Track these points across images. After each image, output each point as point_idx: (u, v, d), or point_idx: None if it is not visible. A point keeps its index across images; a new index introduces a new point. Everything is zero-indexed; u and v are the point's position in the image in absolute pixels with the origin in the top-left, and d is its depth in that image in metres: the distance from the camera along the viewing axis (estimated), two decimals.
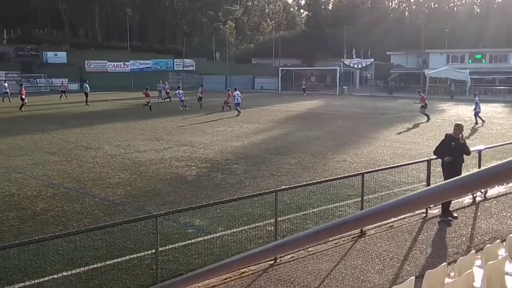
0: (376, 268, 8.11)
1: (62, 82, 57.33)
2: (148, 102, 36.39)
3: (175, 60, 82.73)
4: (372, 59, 71.30)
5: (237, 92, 34.63)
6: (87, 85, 44.72)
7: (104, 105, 42.76)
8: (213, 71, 77.97)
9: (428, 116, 30.14)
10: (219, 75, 75.68)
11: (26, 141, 21.55)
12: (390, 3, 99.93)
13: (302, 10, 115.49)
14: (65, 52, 79.48)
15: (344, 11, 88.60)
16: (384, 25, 78.57)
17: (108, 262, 7.96)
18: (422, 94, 31.36)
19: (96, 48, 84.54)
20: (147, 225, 9.21)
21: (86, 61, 78.07)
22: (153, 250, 7.74)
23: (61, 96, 48.09)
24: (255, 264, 7.92)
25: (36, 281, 7.31)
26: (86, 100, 42.60)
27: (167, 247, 8.43)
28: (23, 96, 37.10)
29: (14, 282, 7.28)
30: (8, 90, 46.76)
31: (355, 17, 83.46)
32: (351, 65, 71.21)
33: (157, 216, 7.07)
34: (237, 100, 33.82)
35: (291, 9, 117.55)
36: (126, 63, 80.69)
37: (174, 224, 9.95)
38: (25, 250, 8.05)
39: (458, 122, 11.42)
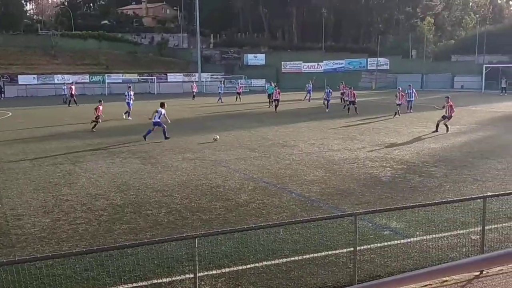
0: None
1: (238, 82, 60.36)
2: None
3: (368, 59, 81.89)
4: None
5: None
6: (271, 86, 43.17)
7: (297, 105, 44.18)
8: (408, 69, 75.29)
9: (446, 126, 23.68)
10: (414, 74, 72.75)
11: (230, 137, 23.28)
12: None
13: (511, 2, 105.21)
14: (263, 54, 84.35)
15: None
16: None
17: (305, 256, 8.16)
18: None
19: (292, 50, 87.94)
20: (342, 223, 9.22)
21: (282, 62, 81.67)
22: (349, 249, 7.72)
23: (236, 98, 49.46)
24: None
25: (240, 268, 7.81)
26: (270, 101, 41.39)
27: (363, 247, 8.34)
28: (99, 114, 26.73)
29: (221, 266, 7.87)
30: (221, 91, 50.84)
31: None
32: None
33: (356, 215, 7.03)
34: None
35: (499, 1, 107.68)
36: (320, 63, 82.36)
37: (370, 225, 9.81)
38: (231, 237, 8.69)
39: None
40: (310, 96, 47.65)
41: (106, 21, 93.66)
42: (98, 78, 69.48)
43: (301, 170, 15.44)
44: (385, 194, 12.44)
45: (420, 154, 18.09)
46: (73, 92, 45.76)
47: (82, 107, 43.49)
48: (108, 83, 68.94)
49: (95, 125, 26.28)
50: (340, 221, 9.23)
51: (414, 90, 35.39)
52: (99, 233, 9.66)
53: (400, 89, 34.29)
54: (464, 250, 8.46)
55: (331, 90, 38.34)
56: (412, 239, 9.02)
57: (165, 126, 22.64)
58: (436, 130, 23.71)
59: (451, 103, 23.57)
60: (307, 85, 49.62)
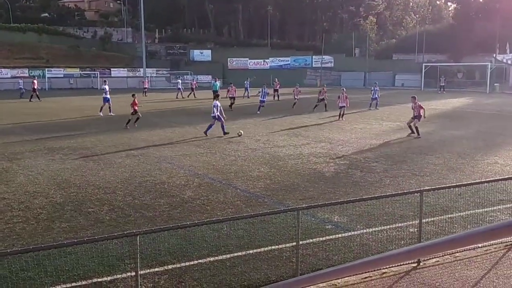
0: None
1: (193, 78, 60.45)
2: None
3: (313, 57, 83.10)
4: None
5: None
6: (217, 83, 43.93)
7: (243, 101, 44.25)
8: (351, 67, 76.98)
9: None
10: (357, 72, 74.49)
11: (175, 133, 23.05)
12: None
13: (449, 3, 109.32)
14: (210, 50, 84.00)
15: (497, 2, 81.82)
16: None
17: (249, 252, 8.19)
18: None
19: (238, 46, 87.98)
20: (286, 218, 9.34)
21: (228, 59, 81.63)
22: (293, 243, 7.82)
23: (190, 93, 50.10)
24: (397, 266, 7.65)
25: (184, 264, 7.75)
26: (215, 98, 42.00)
27: (306, 241, 8.46)
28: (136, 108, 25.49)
29: (164, 264, 7.79)
30: (181, 87, 50.66)
31: (510, 9, 76.68)
32: (505, 60, 65.75)
33: (298, 210, 7.12)
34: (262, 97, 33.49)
35: (438, 2, 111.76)
36: (266, 60, 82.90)
37: (313, 219, 9.97)
38: (174, 234, 8.60)
39: None
40: (248, 93, 48.19)
41: (46, 14, 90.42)
42: (38, 72, 67.03)
43: (246, 166, 15.48)
44: (328, 189, 12.67)
45: (362, 150, 18.53)
46: (35, 87, 45.66)
47: (30, 102, 41.92)
48: (48, 77, 66.71)
49: (137, 118, 25.36)
50: (283, 216, 9.35)
51: (378, 88, 37.17)
52: (37, 232, 9.34)
53: (344, 89, 30.96)
54: (402, 242, 8.73)
55: (267, 91, 34.20)
56: (353, 232, 9.24)
57: (223, 120, 22.32)
58: (413, 132, 22.21)
59: (418, 102, 22.47)
60: (245, 82, 50.29)
